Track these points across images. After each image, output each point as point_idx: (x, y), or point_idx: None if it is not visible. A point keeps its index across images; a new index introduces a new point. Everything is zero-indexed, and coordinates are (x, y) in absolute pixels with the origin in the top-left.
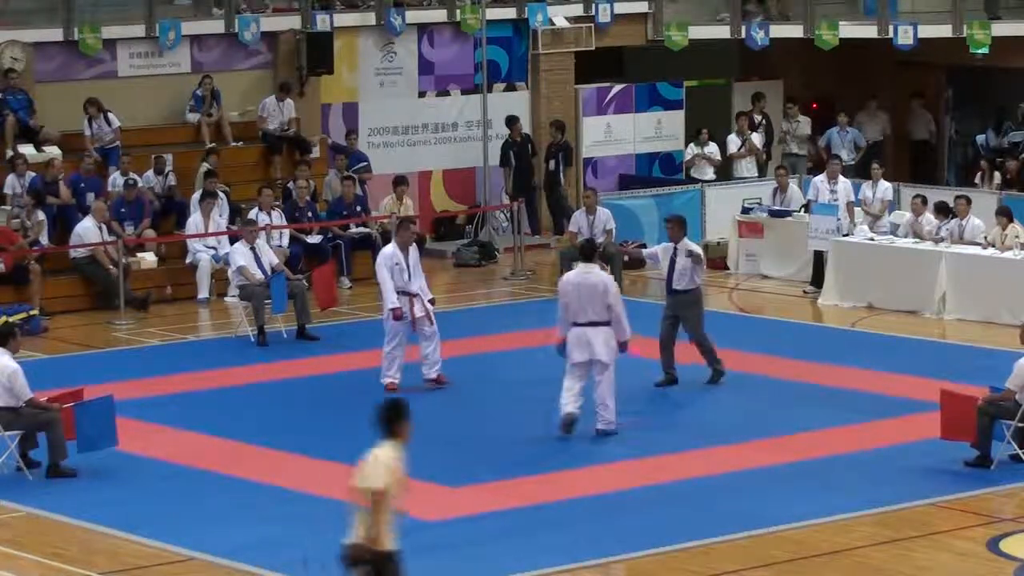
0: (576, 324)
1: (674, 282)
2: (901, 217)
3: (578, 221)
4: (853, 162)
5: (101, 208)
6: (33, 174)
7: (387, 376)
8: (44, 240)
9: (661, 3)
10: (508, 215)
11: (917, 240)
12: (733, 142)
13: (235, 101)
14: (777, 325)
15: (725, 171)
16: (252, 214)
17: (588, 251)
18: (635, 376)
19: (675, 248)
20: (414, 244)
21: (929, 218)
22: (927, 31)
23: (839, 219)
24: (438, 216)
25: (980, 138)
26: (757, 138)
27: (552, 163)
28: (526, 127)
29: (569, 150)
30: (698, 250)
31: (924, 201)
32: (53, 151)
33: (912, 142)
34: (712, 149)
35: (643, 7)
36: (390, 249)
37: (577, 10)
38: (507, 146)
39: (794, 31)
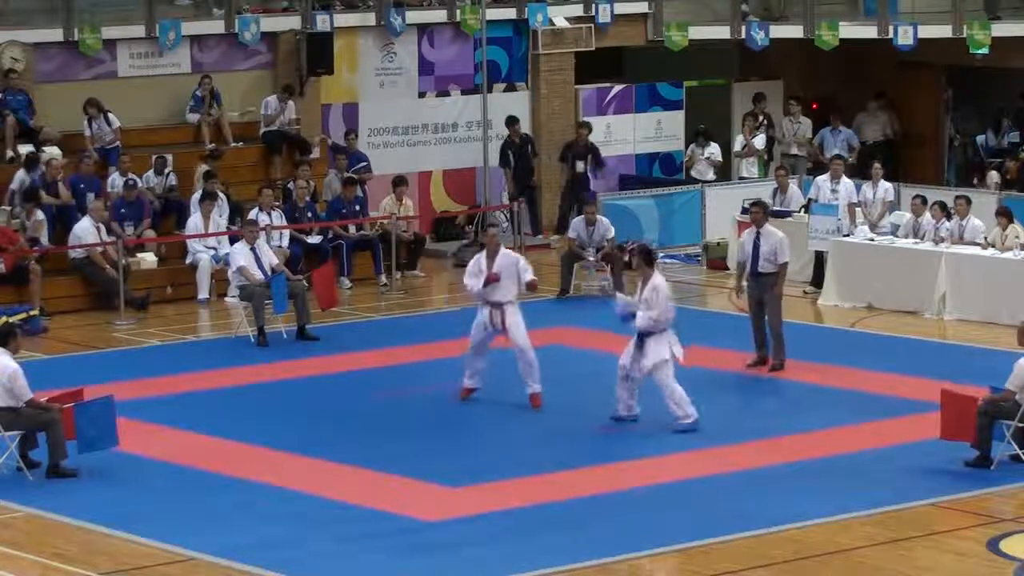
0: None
1: (759, 266)
2: (901, 217)
3: (577, 229)
4: (849, 161)
5: (99, 208)
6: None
7: (464, 382)
8: (44, 240)
9: (661, 3)
10: (508, 215)
11: (917, 240)
12: (740, 143)
13: (235, 101)
14: None
15: (726, 171)
16: (252, 214)
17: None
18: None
19: (758, 232)
20: (505, 250)
21: (928, 218)
22: (927, 31)
23: (839, 219)
24: (438, 216)
25: (980, 138)
26: (760, 140)
27: (581, 164)
28: (526, 127)
29: (597, 151)
30: (781, 234)
31: (924, 201)
32: (53, 151)
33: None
34: (713, 150)
35: (643, 7)
36: (480, 255)
37: (577, 10)
38: (506, 146)
39: (794, 31)
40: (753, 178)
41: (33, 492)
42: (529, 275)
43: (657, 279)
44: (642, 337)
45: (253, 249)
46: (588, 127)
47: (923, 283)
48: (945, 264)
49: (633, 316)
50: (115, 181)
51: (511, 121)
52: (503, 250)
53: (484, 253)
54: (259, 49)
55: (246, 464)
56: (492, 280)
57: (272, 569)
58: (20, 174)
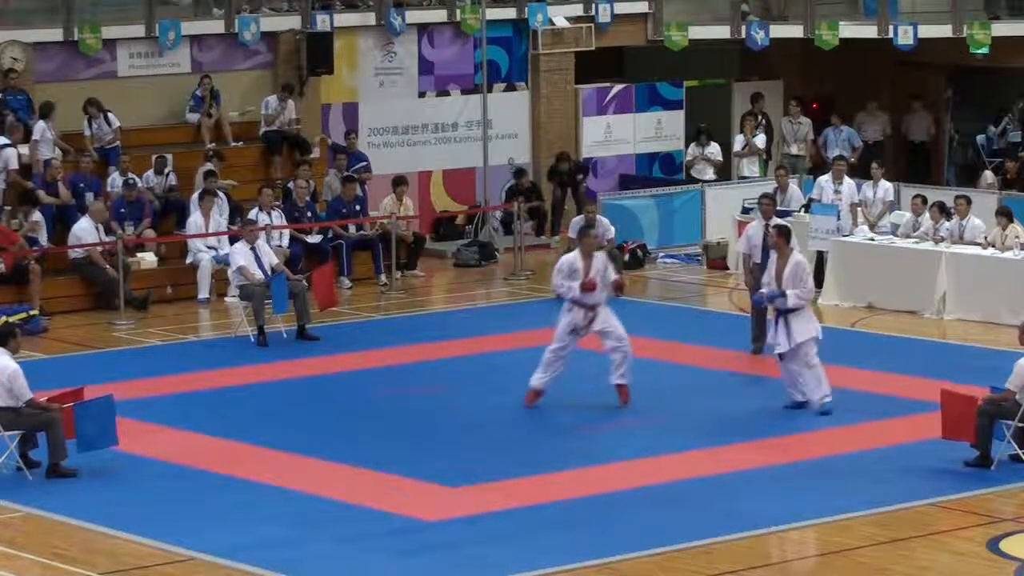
0: None
1: (769, 257)
2: (901, 217)
3: (576, 228)
4: (851, 161)
5: (99, 208)
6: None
7: (535, 377)
8: (44, 240)
9: (661, 3)
10: (504, 215)
11: (917, 240)
12: (740, 143)
13: (235, 101)
14: None
15: (726, 171)
16: (252, 214)
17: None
18: (635, 376)
19: (767, 225)
20: (600, 252)
21: (928, 218)
22: (927, 31)
23: (839, 219)
24: (438, 216)
25: (980, 138)
26: (760, 140)
27: (568, 189)
28: (525, 127)
29: (576, 180)
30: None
31: (924, 201)
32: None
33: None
34: (713, 149)
35: (643, 7)
36: (571, 256)
37: (577, 10)
38: (513, 192)
39: (794, 31)
40: (753, 177)
41: (33, 492)
42: (614, 275)
43: (798, 256)
44: (783, 315)
45: (253, 249)
46: (568, 160)
47: (923, 283)
48: (945, 264)
49: (775, 299)
50: (115, 181)
51: (520, 174)
52: (598, 252)
53: (578, 253)
54: (259, 49)
55: (246, 464)
56: (590, 288)
57: (272, 569)
58: (40, 124)
